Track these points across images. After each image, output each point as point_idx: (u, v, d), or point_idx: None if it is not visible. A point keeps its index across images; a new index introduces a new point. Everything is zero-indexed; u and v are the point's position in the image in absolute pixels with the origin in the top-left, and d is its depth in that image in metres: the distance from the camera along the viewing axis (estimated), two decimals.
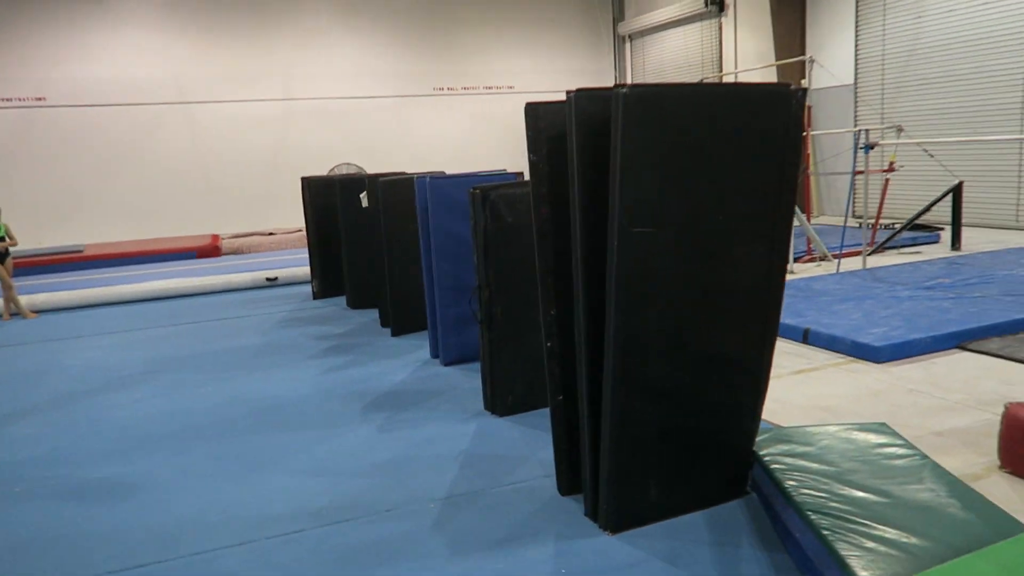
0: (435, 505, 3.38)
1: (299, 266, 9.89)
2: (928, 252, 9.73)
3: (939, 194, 10.08)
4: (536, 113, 3.06)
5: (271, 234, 13.99)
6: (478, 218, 4.22)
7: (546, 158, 3.08)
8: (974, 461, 3.67)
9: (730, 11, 15.97)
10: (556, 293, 3.18)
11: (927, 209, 9.82)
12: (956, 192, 9.86)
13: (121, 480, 3.89)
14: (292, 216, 16.05)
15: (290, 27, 16.39)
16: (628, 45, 19.56)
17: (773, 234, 2.70)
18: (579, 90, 2.70)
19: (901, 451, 3.10)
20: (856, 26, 13.45)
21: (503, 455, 3.89)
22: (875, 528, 2.43)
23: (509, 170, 5.73)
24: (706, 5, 16.20)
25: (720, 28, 16.35)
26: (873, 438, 3.21)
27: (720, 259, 2.71)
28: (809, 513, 2.54)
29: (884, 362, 5.35)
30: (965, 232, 10.09)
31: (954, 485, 2.74)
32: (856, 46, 13.47)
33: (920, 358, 5.41)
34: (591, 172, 2.76)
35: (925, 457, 3.04)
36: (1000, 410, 4.28)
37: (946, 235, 10.54)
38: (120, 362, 6.32)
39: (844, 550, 2.29)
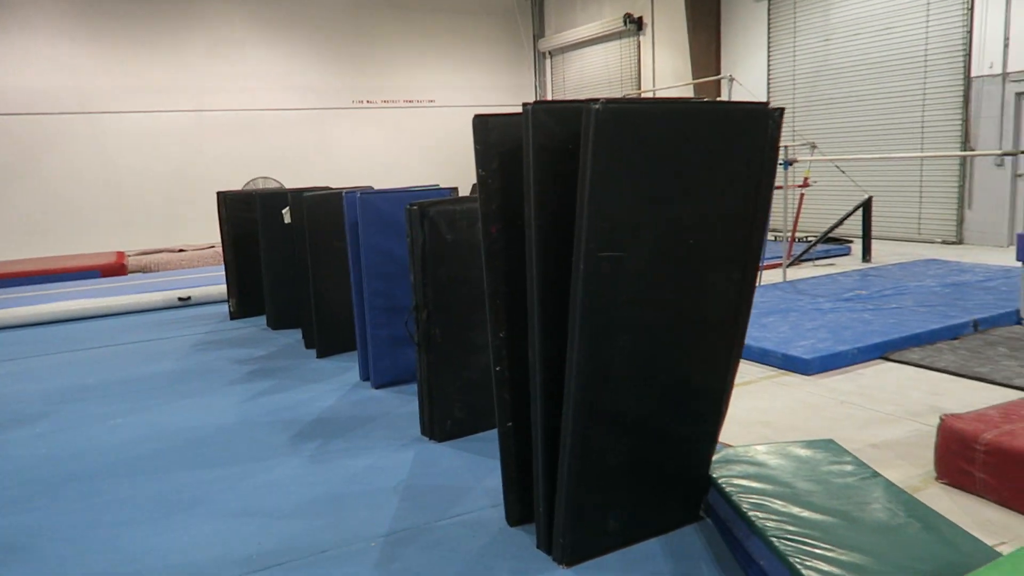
0: (376, 544, 3.16)
1: (214, 284, 9.41)
2: (841, 264, 10.08)
3: (849, 208, 10.49)
4: (486, 126, 2.91)
5: (181, 251, 13.32)
6: (416, 235, 4.04)
7: (496, 173, 2.94)
8: (911, 473, 3.71)
9: (648, 30, 16.31)
10: (506, 315, 3.03)
11: (840, 222, 10.19)
12: (866, 206, 10.27)
13: (13, 536, 3.47)
14: (203, 232, 15.38)
15: (201, 36, 15.75)
16: (548, 61, 19.72)
17: (746, 259, 2.63)
18: (537, 103, 2.58)
19: (852, 469, 3.08)
20: (768, 47, 13.93)
21: (446, 485, 3.70)
22: (843, 554, 2.38)
23: (441, 185, 5.56)
24: (625, 24, 16.50)
25: (639, 46, 16.67)
26: (824, 456, 3.19)
27: (691, 285, 2.61)
28: (774, 540, 2.47)
29: (814, 374, 5.43)
30: (872, 244, 10.52)
31: (911, 504, 2.73)
32: (768, 66, 13.95)
33: (847, 369, 5.52)
34: (549, 190, 2.63)
35: (877, 475, 3.04)
36: (930, 420, 4.40)
37: (856, 247, 10.97)
38: (15, 393, 5.79)
39: None
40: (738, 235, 2.59)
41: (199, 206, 15.57)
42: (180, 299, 8.95)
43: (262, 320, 7.84)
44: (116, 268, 11.66)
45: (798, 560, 2.35)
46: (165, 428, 4.80)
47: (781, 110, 2.54)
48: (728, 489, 2.90)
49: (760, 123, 2.50)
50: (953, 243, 11.37)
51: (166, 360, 6.54)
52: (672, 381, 2.74)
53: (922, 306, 6.87)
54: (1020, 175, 10.62)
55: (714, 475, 3.04)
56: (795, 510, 2.68)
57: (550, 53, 19.55)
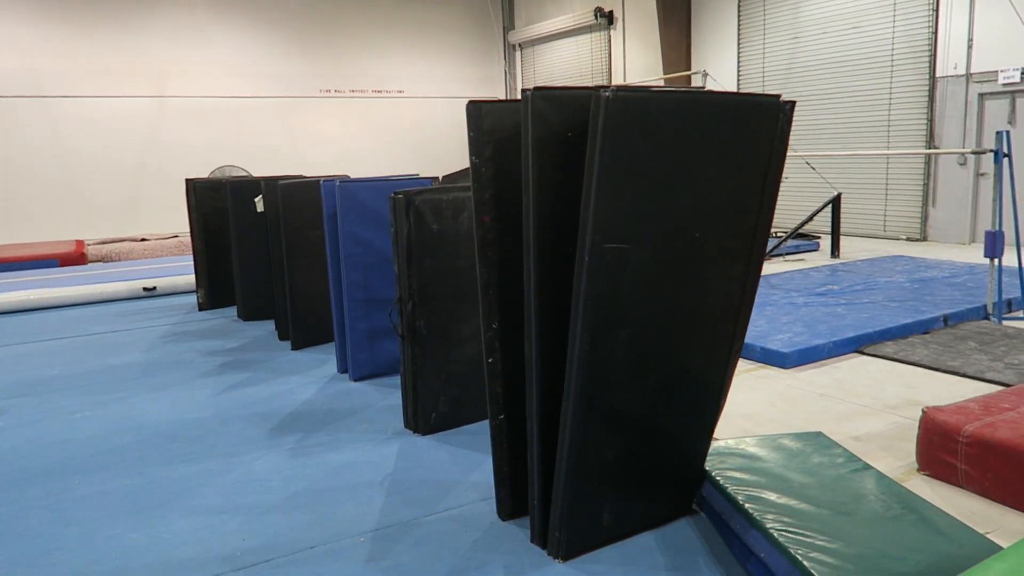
0: (365, 539, 3.09)
1: (180, 275, 9.17)
2: (811, 260, 10.21)
3: (818, 205, 10.63)
4: (480, 112, 2.85)
5: (143, 240, 12.98)
6: (400, 225, 3.95)
7: (490, 161, 2.88)
8: (893, 465, 3.75)
9: (619, 24, 16.32)
10: (499, 307, 2.97)
11: (810, 218, 10.32)
12: (835, 203, 10.42)
13: None
14: (165, 221, 15.02)
15: (162, 20, 15.34)
16: (519, 54, 19.63)
17: (750, 254, 2.60)
18: (536, 89, 2.52)
19: (843, 461, 3.10)
20: (738, 44, 14.04)
21: (433, 479, 3.64)
22: (843, 546, 2.38)
23: (420, 175, 5.48)
24: (596, 18, 16.49)
25: (609, 41, 16.68)
26: (814, 448, 3.20)
27: (695, 279, 2.57)
28: (775, 533, 2.46)
29: (791, 367, 5.48)
30: (840, 241, 10.68)
31: (904, 496, 2.75)
32: (738, 62, 14.06)
33: (824, 363, 5.58)
34: (548, 179, 2.57)
35: (868, 467, 3.06)
36: (907, 413, 4.46)
37: (825, 243, 11.14)
38: None
39: (823, 574, 2.21)
40: (743, 229, 2.56)
41: (161, 195, 15.19)
42: (145, 289, 8.71)
43: (232, 311, 7.67)
44: (76, 257, 11.31)
45: (800, 552, 2.34)
46: (135, 422, 4.65)
47: (792, 103, 2.52)
48: (723, 483, 2.89)
49: (770, 116, 2.48)
50: (917, 240, 11.61)
51: (133, 351, 6.34)
52: (672, 375, 2.71)
53: (893, 301, 6.99)
54: (982, 174, 10.87)
55: (708, 468, 3.03)
56: (792, 503, 2.68)
57: (520, 45, 19.47)
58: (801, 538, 2.43)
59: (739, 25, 13.96)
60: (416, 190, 3.99)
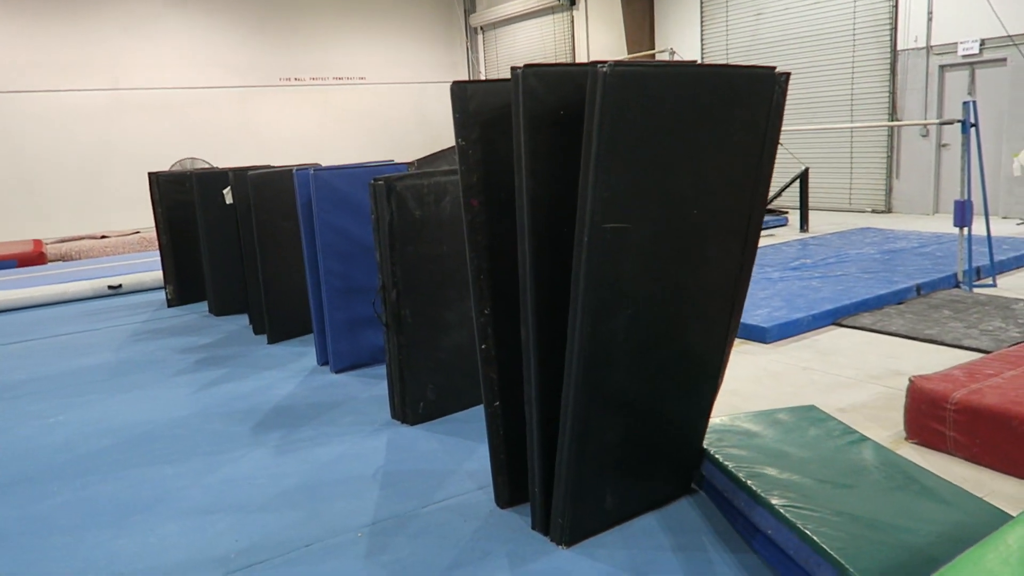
0: (363, 535, 3.02)
1: (145, 271, 8.93)
2: (780, 235, 10.30)
3: (786, 180, 10.71)
4: (465, 93, 2.77)
5: (104, 237, 12.63)
6: (382, 212, 3.86)
7: (477, 143, 2.80)
8: (882, 435, 3.78)
9: (581, 5, 16.23)
10: (491, 292, 2.91)
11: (779, 193, 10.40)
12: (803, 178, 10.51)
13: None
14: (126, 217, 14.64)
15: (116, 10, 14.88)
16: (480, 37, 19.44)
17: (747, 231, 2.57)
18: (527, 66, 2.45)
19: (840, 433, 3.11)
20: (702, 21, 14.05)
21: (426, 469, 3.58)
22: (853, 520, 2.38)
23: (396, 161, 5.37)
24: None
25: (572, 21, 16.59)
26: (810, 423, 3.21)
27: (694, 258, 2.53)
28: (783, 510, 2.45)
29: (772, 342, 5.51)
30: (808, 215, 10.79)
31: (905, 466, 2.77)
32: (702, 40, 14.07)
33: (804, 336, 5.63)
34: (540, 160, 2.51)
35: (865, 438, 3.07)
36: (891, 383, 4.52)
37: (793, 218, 11.24)
38: None
39: (835, 549, 2.20)
40: (740, 205, 2.53)
41: (119, 190, 14.81)
42: (110, 287, 8.47)
43: (204, 306, 7.48)
44: (34, 257, 10.96)
45: (810, 528, 2.33)
46: (111, 424, 4.50)
47: (787, 75, 2.48)
48: (723, 460, 2.88)
49: (766, 88, 2.44)
50: (882, 212, 11.78)
51: (102, 352, 6.16)
52: (671, 355, 2.68)
53: (866, 273, 7.07)
54: (944, 145, 11.05)
55: (706, 447, 3.01)
56: (795, 478, 2.68)
57: (482, 28, 19.28)
58: (808, 513, 2.43)
59: (702, 2, 13.97)
60: (396, 176, 3.90)
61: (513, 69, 2.47)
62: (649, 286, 2.49)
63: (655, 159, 2.37)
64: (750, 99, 2.43)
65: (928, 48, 10.96)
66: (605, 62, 2.17)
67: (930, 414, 3.60)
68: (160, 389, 5.10)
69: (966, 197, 6.59)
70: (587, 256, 2.36)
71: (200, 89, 15.99)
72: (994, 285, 6.69)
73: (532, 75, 2.48)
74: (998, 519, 2.35)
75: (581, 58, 16.33)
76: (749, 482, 2.66)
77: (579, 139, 2.38)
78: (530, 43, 17.94)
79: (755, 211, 2.57)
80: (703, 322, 2.70)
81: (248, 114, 16.64)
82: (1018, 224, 9.87)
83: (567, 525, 2.75)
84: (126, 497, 3.51)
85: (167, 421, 4.48)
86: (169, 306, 7.71)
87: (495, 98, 2.82)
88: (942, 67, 10.90)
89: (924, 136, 11.20)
